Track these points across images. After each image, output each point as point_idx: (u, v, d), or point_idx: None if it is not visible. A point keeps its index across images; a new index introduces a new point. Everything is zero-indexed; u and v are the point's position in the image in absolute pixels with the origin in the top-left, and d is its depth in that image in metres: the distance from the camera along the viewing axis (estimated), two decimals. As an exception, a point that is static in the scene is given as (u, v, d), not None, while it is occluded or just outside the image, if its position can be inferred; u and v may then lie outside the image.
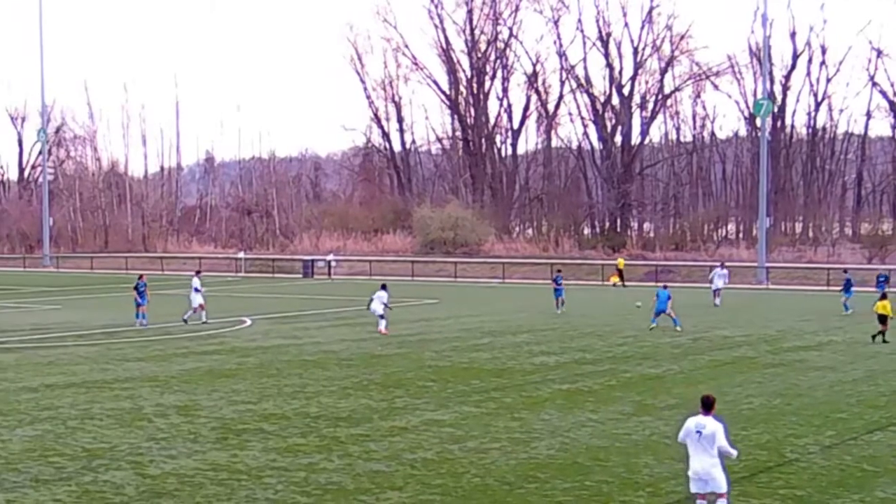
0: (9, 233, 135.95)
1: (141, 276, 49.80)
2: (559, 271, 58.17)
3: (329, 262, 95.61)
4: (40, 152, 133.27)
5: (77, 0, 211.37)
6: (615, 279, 79.58)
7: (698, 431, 15.58)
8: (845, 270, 56.90)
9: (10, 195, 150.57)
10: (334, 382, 31.09)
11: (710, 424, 15.59)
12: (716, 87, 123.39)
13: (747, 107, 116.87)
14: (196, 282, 50.19)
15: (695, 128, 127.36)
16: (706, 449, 15.54)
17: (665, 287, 48.34)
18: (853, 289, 53.88)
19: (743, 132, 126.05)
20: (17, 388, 30.22)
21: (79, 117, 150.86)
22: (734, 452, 16.04)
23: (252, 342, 41.71)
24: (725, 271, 60.28)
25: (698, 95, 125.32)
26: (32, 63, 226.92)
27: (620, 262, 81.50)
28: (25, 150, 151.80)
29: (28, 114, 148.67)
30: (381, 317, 44.34)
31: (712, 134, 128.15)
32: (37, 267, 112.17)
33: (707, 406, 15.80)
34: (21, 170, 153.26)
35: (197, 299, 49.16)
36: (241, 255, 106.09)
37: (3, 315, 55.06)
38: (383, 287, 46.24)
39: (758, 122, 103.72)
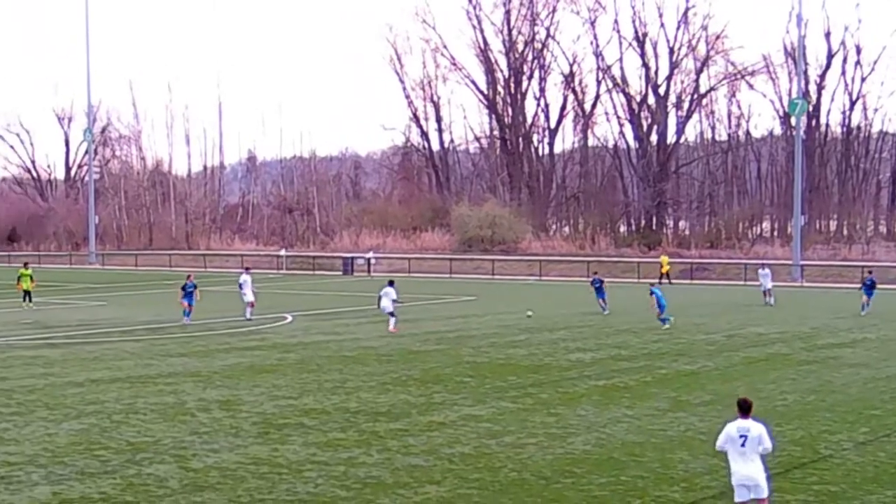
0: (56, 231, 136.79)
1: (189, 277, 49.47)
2: (595, 273, 56.99)
3: (369, 259, 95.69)
4: (86, 152, 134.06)
5: (122, 3, 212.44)
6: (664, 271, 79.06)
7: (742, 436, 14.93)
8: (870, 271, 56.06)
9: (57, 194, 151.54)
10: (373, 378, 31.13)
11: (755, 428, 15.00)
12: (751, 86, 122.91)
13: (782, 106, 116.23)
14: (245, 278, 50.41)
15: (730, 127, 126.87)
16: (750, 454, 14.93)
17: (654, 285, 49.43)
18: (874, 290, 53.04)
19: (778, 131, 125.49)
20: (63, 382, 30.42)
21: (124, 117, 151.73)
22: (771, 447, 15.40)
23: (293, 338, 41.81)
24: (767, 270, 58.92)
25: (733, 95, 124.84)
26: (79, 65, 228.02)
27: (664, 259, 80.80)
28: (72, 149, 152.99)
29: (75, 114, 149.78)
30: (392, 314, 44.02)
31: (747, 133, 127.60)
32: (83, 264, 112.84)
33: (746, 409, 15.22)
34: (68, 169, 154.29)
35: (248, 297, 49.47)
36: (283, 252, 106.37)
37: (51, 311, 55.41)
38: (391, 283, 45.78)
39: (793, 121, 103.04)
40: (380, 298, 44.81)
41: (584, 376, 31.50)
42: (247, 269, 54.01)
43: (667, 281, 76.92)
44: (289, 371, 32.67)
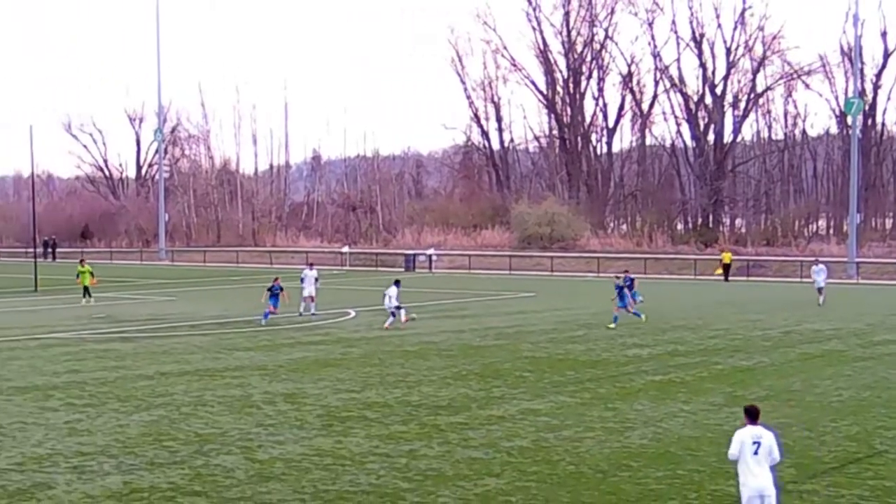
0: (127, 228, 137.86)
1: (276, 279, 47.59)
2: (626, 271, 53.53)
3: (430, 256, 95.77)
4: (157, 151, 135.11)
5: (192, 6, 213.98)
6: (719, 271, 78.68)
7: (756, 443, 14.17)
8: None
9: (128, 192, 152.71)
10: (434, 372, 31.18)
11: (767, 435, 14.29)
12: (807, 86, 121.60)
13: (838, 105, 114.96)
14: (308, 273, 50.61)
15: (786, 126, 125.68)
16: (763, 463, 14.17)
17: (618, 277, 48.01)
18: None
19: (834, 130, 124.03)
20: (134, 375, 30.70)
21: (193, 118, 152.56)
22: (779, 457, 14.59)
23: (356, 333, 41.95)
24: (821, 266, 56.48)
25: (790, 94, 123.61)
26: (150, 67, 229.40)
27: (727, 255, 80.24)
28: (143, 149, 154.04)
29: (146, 115, 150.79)
30: (399, 307, 43.97)
31: (803, 132, 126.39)
32: (153, 260, 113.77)
33: (755, 416, 14.53)
34: (139, 168, 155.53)
35: (308, 291, 49.61)
36: (346, 249, 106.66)
37: (122, 306, 55.91)
38: (396, 283, 45.57)
39: (849, 120, 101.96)
40: (384, 297, 44.63)
41: (641, 371, 31.39)
42: (310, 264, 54.15)
43: (727, 276, 76.43)
44: (352, 365, 32.79)
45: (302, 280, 50.19)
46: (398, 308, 44.06)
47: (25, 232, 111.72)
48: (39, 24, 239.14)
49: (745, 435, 14.24)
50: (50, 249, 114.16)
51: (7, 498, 17.44)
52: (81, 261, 60.63)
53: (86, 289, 57.01)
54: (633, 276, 52.04)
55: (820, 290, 55.12)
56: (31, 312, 51.67)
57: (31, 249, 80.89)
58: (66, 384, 29.05)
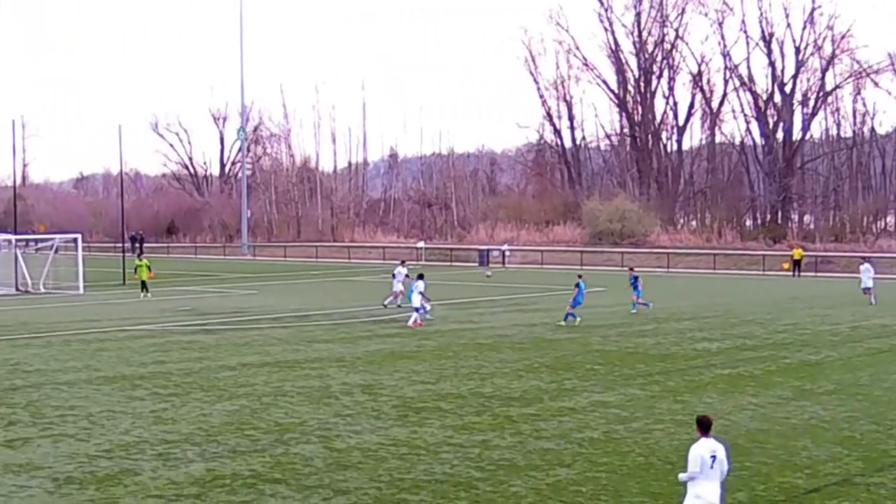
0: (211, 224, 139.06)
1: (403, 262, 50.21)
2: (631, 269, 52.29)
3: (503, 251, 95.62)
4: (240, 149, 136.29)
5: (274, 10, 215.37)
6: (787, 266, 77.86)
7: (713, 457, 13.41)
8: None
9: (212, 189, 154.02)
10: (507, 365, 31.14)
11: (720, 448, 13.57)
12: (876, 84, 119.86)
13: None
14: (400, 270, 51.51)
15: (855, 124, 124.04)
16: (716, 476, 13.46)
17: (581, 277, 45.26)
18: None
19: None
20: (217, 366, 30.97)
21: (274, 117, 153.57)
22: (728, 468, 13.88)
23: (431, 326, 41.98)
24: (867, 265, 53.72)
25: (858, 92, 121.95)
26: (233, 68, 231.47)
27: (798, 251, 79.35)
28: (226, 147, 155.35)
29: (229, 114, 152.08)
30: (417, 310, 41.98)
31: (872, 129, 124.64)
32: (236, 255, 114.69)
33: (708, 427, 13.68)
34: (222, 166, 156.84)
35: (397, 287, 50.19)
36: (422, 244, 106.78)
37: (206, 299, 56.42)
38: (420, 277, 43.97)
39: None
40: (410, 291, 43.11)
41: (709, 365, 31.15)
42: (402, 262, 54.76)
43: (797, 271, 75.61)
44: (427, 357, 32.84)
45: (394, 276, 51.03)
46: (425, 300, 42.79)
47: (114, 227, 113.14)
48: (128, 28, 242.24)
49: (704, 449, 13.45)
50: (137, 244, 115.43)
51: (96, 483, 17.67)
52: (139, 255, 60.90)
53: (143, 283, 57.32)
54: (636, 274, 50.08)
55: (867, 290, 52.23)
56: (119, 305, 52.31)
57: (120, 244, 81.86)
58: (152, 374, 29.38)
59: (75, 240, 65.24)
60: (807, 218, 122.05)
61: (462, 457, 19.45)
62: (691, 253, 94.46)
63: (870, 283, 52.51)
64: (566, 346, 35.67)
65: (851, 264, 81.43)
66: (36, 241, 78.03)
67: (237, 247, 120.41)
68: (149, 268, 58.41)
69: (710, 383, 27.81)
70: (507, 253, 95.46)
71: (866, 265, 53.68)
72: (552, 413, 23.68)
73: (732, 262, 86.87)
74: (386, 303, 49.54)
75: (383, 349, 34.84)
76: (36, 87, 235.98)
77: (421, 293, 42.38)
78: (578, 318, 42.36)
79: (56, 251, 66.33)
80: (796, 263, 76.68)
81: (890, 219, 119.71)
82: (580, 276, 45.61)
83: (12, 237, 66.89)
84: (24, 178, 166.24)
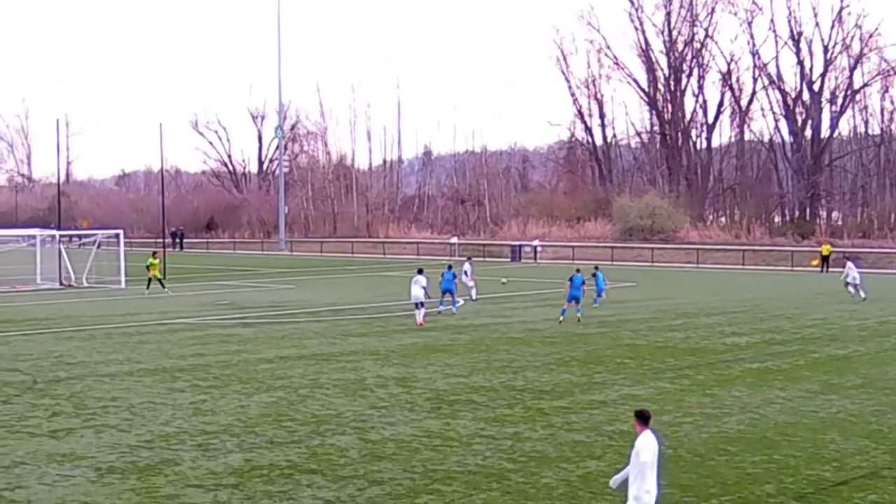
0: (249, 220, 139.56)
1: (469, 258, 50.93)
2: (596, 268, 51.15)
3: (535, 247, 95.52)
4: (277, 147, 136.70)
5: (311, 10, 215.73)
6: (815, 262, 77.41)
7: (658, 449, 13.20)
8: None
9: (250, 186, 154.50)
10: (539, 358, 31.11)
11: (656, 441, 13.34)
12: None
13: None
14: (467, 267, 53.47)
15: (882, 121, 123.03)
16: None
17: (579, 271, 43.20)
18: None
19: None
20: (255, 359, 31.08)
21: (311, 115, 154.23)
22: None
23: (464, 320, 41.99)
24: (851, 263, 53.59)
25: (886, 90, 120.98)
26: (271, 68, 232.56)
27: (826, 248, 78.85)
28: (264, 145, 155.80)
29: (267, 113, 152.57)
30: (421, 304, 40.54)
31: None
32: (273, 250, 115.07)
33: (648, 420, 13.45)
34: (260, 163, 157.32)
35: (470, 282, 51.84)
36: (455, 240, 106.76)
37: (244, 293, 56.63)
38: (420, 271, 42.71)
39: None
40: (411, 287, 41.31)
41: (738, 359, 31.02)
42: (469, 258, 55.94)
43: (826, 267, 75.14)
44: (460, 351, 32.84)
45: (466, 273, 52.61)
46: (424, 300, 40.96)
47: (155, 223, 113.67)
48: (169, 29, 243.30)
49: (654, 444, 13.14)
50: (178, 240, 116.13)
51: (137, 473, 17.77)
52: (154, 253, 60.94)
53: (150, 280, 57.13)
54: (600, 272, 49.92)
55: (851, 285, 51.40)
56: (159, 299, 52.55)
57: (161, 240, 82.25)
58: (192, 367, 29.51)
59: (117, 235, 65.57)
60: (835, 214, 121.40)
61: (494, 448, 19.44)
62: (720, 249, 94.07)
63: (855, 280, 51.63)
64: (597, 340, 35.60)
65: (879, 260, 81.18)
66: (79, 236, 78.46)
67: (275, 242, 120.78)
68: (149, 267, 58.03)
69: (738, 377, 27.69)
70: (539, 248, 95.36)
71: (850, 263, 53.56)
72: (583, 406, 23.64)
73: (761, 258, 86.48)
74: (474, 297, 50.84)
75: (417, 343, 34.86)
76: (80, 86, 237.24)
77: (423, 287, 41.08)
78: (580, 314, 41.30)
79: (99, 246, 66.69)
80: (824, 259, 76.20)
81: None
82: (578, 270, 43.80)
83: (56, 233, 67.36)
84: (68, 175, 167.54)
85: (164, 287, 56.98)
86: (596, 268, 50.37)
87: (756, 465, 18.21)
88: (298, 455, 18.98)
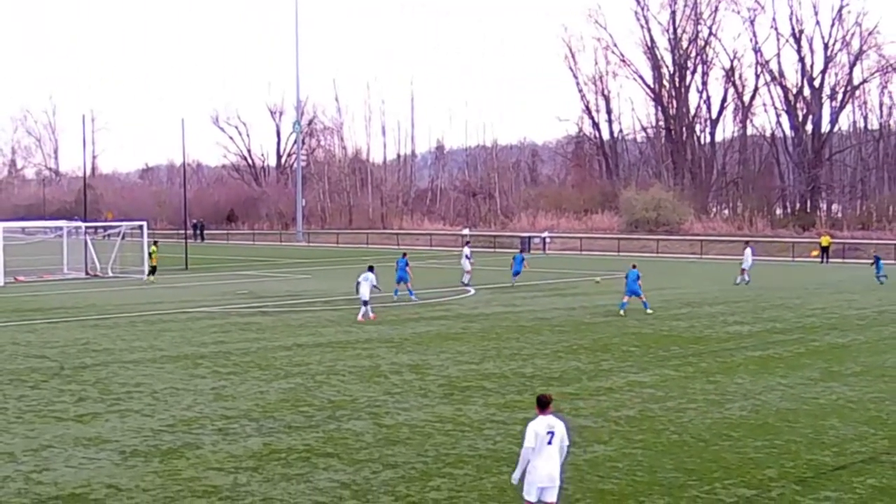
0: (268, 212, 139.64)
1: (404, 254, 49.20)
2: (521, 253, 55.93)
3: (544, 238, 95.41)
4: (295, 142, 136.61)
5: (327, 10, 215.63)
6: (815, 253, 77.21)
7: (550, 433, 13.15)
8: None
9: (269, 179, 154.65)
10: (547, 346, 31.08)
11: (559, 425, 13.29)
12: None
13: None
14: (467, 251, 55.58)
15: (881, 116, 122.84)
16: (554, 452, 13.21)
17: (634, 267, 42.37)
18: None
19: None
20: (273, 346, 31.10)
21: (328, 111, 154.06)
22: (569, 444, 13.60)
23: (475, 309, 41.97)
24: (749, 249, 55.40)
25: (885, 86, 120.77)
26: (289, 65, 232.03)
27: (825, 239, 78.63)
28: (283, 140, 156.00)
29: (285, 108, 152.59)
30: (366, 303, 37.82)
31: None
32: (291, 242, 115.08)
33: (546, 405, 13.35)
34: (279, 157, 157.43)
35: (467, 266, 53.78)
36: (466, 231, 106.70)
37: (263, 283, 56.67)
38: (370, 269, 39.78)
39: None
40: (358, 284, 38.50)
41: (741, 347, 30.95)
42: (467, 242, 57.63)
43: (826, 258, 74.93)
44: (471, 339, 32.82)
45: (467, 257, 54.79)
46: (368, 299, 38.21)
47: (177, 215, 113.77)
48: (191, 27, 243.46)
49: (540, 426, 13.20)
50: (199, 231, 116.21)
51: (160, 456, 17.80)
52: (155, 242, 61.38)
53: (153, 268, 58.18)
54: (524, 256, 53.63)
55: (744, 270, 54.40)
56: (181, 288, 52.63)
57: (183, 231, 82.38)
58: (212, 354, 29.54)
59: (141, 227, 65.69)
60: (835, 207, 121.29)
61: (504, 433, 19.43)
62: (723, 240, 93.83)
63: (747, 265, 54.51)
64: (604, 329, 35.55)
65: (878, 251, 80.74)
66: (104, 228, 78.72)
67: (292, 234, 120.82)
68: (150, 255, 58.39)
69: (741, 365, 27.63)
70: (548, 240, 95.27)
71: (748, 249, 55.70)
72: (590, 392, 23.61)
73: (763, 249, 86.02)
74: (465, 281, 52.94)
75: (430, 331, 34.85)
76: (106, 83, 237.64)
77: (374, 286, 38.70)
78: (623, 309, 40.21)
79: (123, 238, 66.87)
80: (824, 250, 75.97)
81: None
82: (634, 266, 42.85)
83: (82, 224, 67.48)
84: (93, 169, 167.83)
85: (150, 276, 57.35)
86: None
87: (758, 450, 18.17)
88: (315, 439, 18.99)
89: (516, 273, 53.65)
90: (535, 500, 13.22)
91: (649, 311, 40.16)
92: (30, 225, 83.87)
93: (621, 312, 39.97)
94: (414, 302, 43.89)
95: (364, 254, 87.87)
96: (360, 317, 37.51)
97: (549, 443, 13.19)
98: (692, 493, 15.72)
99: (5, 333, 34.31)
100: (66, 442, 18.84)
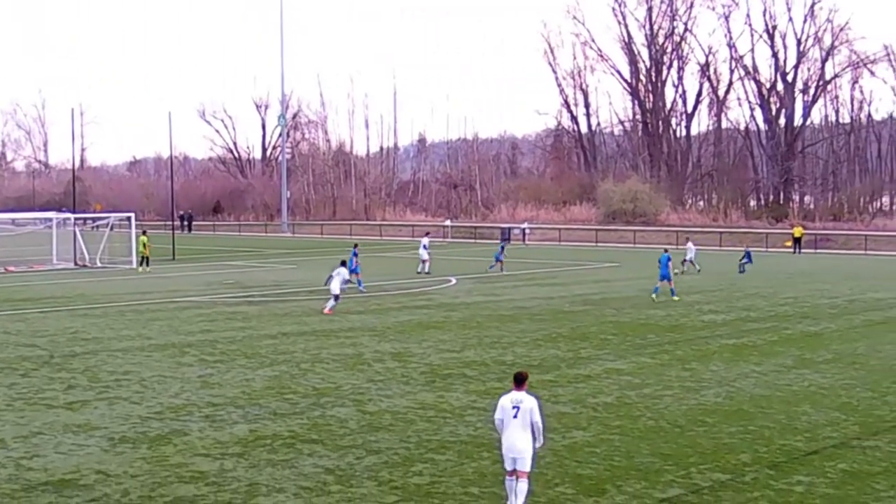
0: (253, 203, 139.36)
1: (356, 245, 49.62)
2: (503, 242, 57.30)
3: (524, 229, 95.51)
4: (280, 135, 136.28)
5: (312, 5, 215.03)
6: (788, 243, 77.51)
7: (515, 407, 13.74)
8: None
9: (254, 171, 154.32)
10: (527, 335, 31.09)
11: (528, 400, 13.81)
12: (872, 73, 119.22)
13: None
14: (425, 241, 56.14)
15: (852, 110, 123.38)
16: (521, 426, 13.73)
17: (666, 251, 42.96)
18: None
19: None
20: (259, 335, 31.04)
21: (312, 105, 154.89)
22: (542, 440, 14.10)
23: (456, 299, 41.97)
24: (691, 244, 58.24)
25: (856, 81, 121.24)
26: (274, 60, 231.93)
27: (798, 230, 78.88)
28: (268, 133, 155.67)
29: (270, 102, 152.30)
30: (337, 297, 37.08)
31: (868, 116, 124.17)
32: (276, 232, 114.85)
33: (520, 382, 13.99)
34: (264, 150, 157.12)
35: (424, 255, 54.24)
36: (448, 222, 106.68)
37: (249, 273, 56.54)
38: (343, 263, 39.34)
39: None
40: (330, 278, 37.65)
41: (716, 335, 31.02)
42: (427, 233, 57.96)
43: (798, 248, 75.22)
44: (453, 328, 32.81)
45: (424, 247, 55.51)
46: (339, 293, 37.41)
47: (165, 207, 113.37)
48: (178, 21, 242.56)
49: (506, 400, 13.93)
50: (186, 223, 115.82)
51: (148, 442, 17.76)
52: (144, 231, 61.21)
53: (145, 258, 57.81)
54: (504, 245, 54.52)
55: (685, 261, 55.67)
56: (169, 278, 52.47)
57: (170, 222, 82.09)
58: (199, 342, 29.47)
59: (129, 218, 65.48)
60: (807, 198, 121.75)
61: (485, 420, 19.42)
62: (699, 231, 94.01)
63: (689, 256, 56.29)
64: (582, 317, 35.59)
65: (849, 242, 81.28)
66: (93, 219, 78.40)
67: (278, 225, 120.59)
68: (144, 246, 58.12)
69: (716, 352, 27.70)
70: (527, 231, 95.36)
71: (690, 244, 57.99)
72: (568, 380, 23.64)
73: (737, 239, 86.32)
74: (426, 271, 53.56)
75: (412, 320, 34.83)
76: (94, 78, 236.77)
77: (345, 280, 38.26)
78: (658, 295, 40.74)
79: (111, 229, 66.62)
80: (797, 241, 76.24)
81: (885, 199, 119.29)
82: (665, 250, 44.43)
83: (71, 216, 67.22)
84: (82, 161, 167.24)
85: (141, 266, 57.25)
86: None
87: (732, 436, 18.23)
88: (300, 426, 18.97)
89: (497, 260, 55.53)
90: (511, 469, 13.90)
91: (676, 297, 40.59)
92: (20, 216, 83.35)
93: (654, 297, 40.44)
94: (362, 293, 43.60)
95: (348, 244, 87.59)
96: (326, 309, 36.71)
97: (515, 416, 13.76)
98: (668, 477, 15.75)
99: (-5, 323, 34.15)
100: (55, 429, 18.77)
